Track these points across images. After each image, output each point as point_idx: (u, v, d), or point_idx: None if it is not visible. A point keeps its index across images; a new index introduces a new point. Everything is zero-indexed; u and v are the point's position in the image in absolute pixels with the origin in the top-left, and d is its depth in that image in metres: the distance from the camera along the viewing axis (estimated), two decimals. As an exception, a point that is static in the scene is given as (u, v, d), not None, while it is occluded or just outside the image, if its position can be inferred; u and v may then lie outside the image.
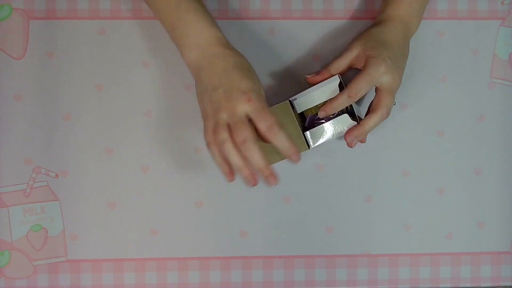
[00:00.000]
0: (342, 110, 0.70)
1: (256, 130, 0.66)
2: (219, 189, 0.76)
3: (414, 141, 0.77)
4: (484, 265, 0.77)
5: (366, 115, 0.71)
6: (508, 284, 0.78)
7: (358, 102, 0.76)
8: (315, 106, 0.72)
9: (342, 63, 0.71)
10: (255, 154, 0.64)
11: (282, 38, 0.76)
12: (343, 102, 0.68)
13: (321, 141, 0.72)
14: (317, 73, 0.72)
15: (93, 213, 0.76)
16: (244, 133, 0.63)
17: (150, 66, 0.76)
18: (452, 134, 0.78)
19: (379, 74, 0.67)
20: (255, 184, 0.66)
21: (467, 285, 0.78)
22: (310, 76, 0.73)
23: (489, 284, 0.78)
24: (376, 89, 0.69)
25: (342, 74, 0.72)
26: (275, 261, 0.77)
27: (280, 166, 0.76)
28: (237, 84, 0.65)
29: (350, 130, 0.70)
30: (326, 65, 0.72)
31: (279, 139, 0.64)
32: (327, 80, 0.71)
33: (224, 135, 0.64)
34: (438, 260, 0.77)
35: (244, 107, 0.64)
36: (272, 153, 0.69)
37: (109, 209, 0.76)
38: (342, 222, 0.77)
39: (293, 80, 0.76)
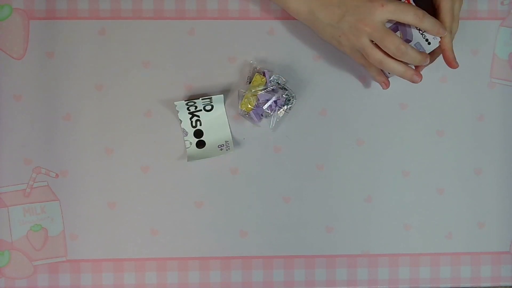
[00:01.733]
0: None
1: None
2: (219, 189, 0.76)
3: (414, 141, 0.77)
4: (484, 265, 0.77)
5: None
6: (508, 284, 0.78)
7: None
8: None
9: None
10: (413, 53, 0.66)
11: (282, 38, 0.76)
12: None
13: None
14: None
15: (93, 213, 0.76)
16: (394, 41, 0.65)
17: (150, 66, 0.76)
18: (452, 134, 0.78)
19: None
20: (421, 79, 0.69)
21: (467, 285, 0.78)
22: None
23: (489, 284, 0.78)
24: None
25: None
26: (275, 261, 0.77)
27: (280, 166, 0.76)
28: (362, 11, 0.65)
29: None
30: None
31: (409, 53, 0.66)
32: None
33: (378, 55, 0.67)
34: (438, 260, 0.77)
35: (381, 14, 0.65)
36: None
37: (109, 209, 0.76)
38: (342, 222, 0.77)
39: (293, 80, 0.76)
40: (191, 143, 0.76)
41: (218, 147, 0.75)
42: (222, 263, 0.76)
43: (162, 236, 0.76)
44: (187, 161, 0.75)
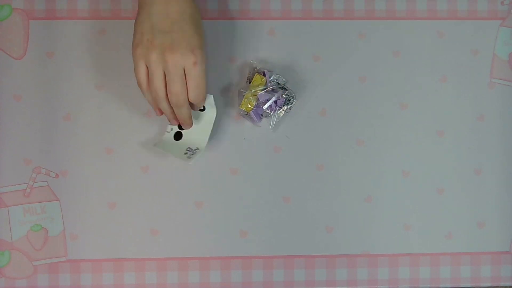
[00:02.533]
0: None
1: None
2: (219, 189, 0.76)
3: (414, 141, 0.77)
4: (484, 265, 0.77)
5: None
6: (508, 284, 0.78)
7: None
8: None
9: None
10: (185, 110, 0.66)
11: (282, 38, 0.76)
12: None
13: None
14: None
15: (93, 213, 0.76)
16: (181, 89, 0.64)
17: (150, 66, 0.76)
18: (452, 134, 0.78)
19: None
20: (177, 123, 0.70)
21: (467, 285, 0.78)
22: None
23: (489, 284, 0.78)
24: None
25: None
26: (275, 261, 0.77)
27: (280, 166, 0.76)
28: (188, 39, 0.62)
29: None
30: None
31: (183, 111, 0.66)
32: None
33: (159, 84, 0.64)
34: (438, 260, 0.77)
35: (188, 67, 0.63)
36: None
37: (109, 209, 0.76)
38: (342, 222, 0.77)
39: (293, 80, 0.76)
40: (171, 129, 0.75)
41: (186, 149, 0.74)
42: (222, 263, 0.76)
43: (162, 236, 0.76)
44: (153, 145, 0.74)
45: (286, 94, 0.74)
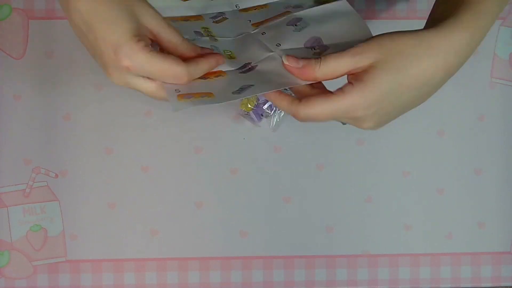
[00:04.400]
0: None
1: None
2: (219, 189, 0.76)
3: (414, 141, 0.77)
4: (484, 265, 0.77)
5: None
6: (508, 284, 0.78)
7: None
8: None
9: (339, 67, 0.50)
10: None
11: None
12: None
13: None
14: (301, 62, 0.51)
15: (93, 213, 0.76)
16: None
17: (150, 66, 0.76)
18: (452, 134, 0.78)
19: (354, 111, 0.49)
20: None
21: (467, 285, 0.78)
22: (288, 61, 0.52)
23: (489, 284, 0.78)
24: None
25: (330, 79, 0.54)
26: (275, 261, 0.77)
27: (280, 166, 0.76)
28: (102, 46, 0.48)
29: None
30: (317, 57, 0.51)
31: (199, 65, 0.52)
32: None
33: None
34: (438, 260, 0.77)
35: (134, 76, 0.50)
36: None
37: (109, 209, 0.76)
38: (342, 222, 0.77)
39: (293, 80, 0.76)
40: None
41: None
42: (222, 263, 0.76)
43: (162, 236, 0.76)
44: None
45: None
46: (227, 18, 0.63)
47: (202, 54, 0.53)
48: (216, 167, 0.76)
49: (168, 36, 0.50)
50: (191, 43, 0.52)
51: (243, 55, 0.59)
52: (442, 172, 0.77)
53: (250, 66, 0.57)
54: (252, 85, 0.54)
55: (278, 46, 0.57)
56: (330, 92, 0.50)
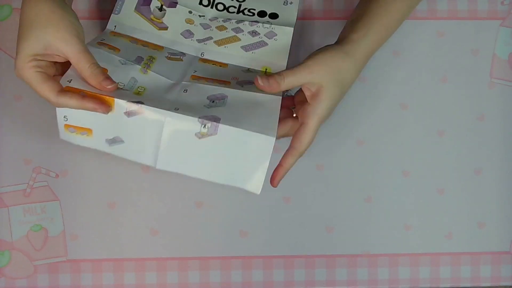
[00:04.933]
0: None
1: None
2: (219, 189, 0.76)
3: (414, 141, 0.77)
4: (484, 265, 0.77)
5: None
6: (508, 284, 0.78)
7: None
8: None
9: (296, 82, 0.62)
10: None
11: (282, 38, 0.76)
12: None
13: None
14: (270, 80, 0.61)
15: (93, 213, 0.76)
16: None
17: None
18: (452, 134, 0.78)
19: (321, 122, 0.62)
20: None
21: (467, 285, 0.78)
22: (261, 81, 0.61)
23: (489, 284, 0.78)
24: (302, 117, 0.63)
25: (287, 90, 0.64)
26: (275, 261, 0.77)
27: (280, 166, 0.76)
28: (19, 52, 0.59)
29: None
30: (279, 73, 0.62)
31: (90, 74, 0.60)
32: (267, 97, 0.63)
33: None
34: (438, 260, 0.77)
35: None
36: None
37: (109, 209, 0.76)
38: (342, 222, 0.77)
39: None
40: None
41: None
42: (222, 263, 0.76)
43: (162, 236, 0.76)
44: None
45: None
46: (182, 61, 0.68)
47: (87, 96, 0.59)
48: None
49: (78, 63, 0.59)
50: (98, 72, 0.59)
51: (150, 96, 0.61)
52: (442, 172, 0.77)
53: (139, 107, 0.59)
54: (123, 141, 0.61)
55: (176, 110, 0.59)
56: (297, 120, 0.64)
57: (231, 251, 0.76)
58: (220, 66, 0.68)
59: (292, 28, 0.70)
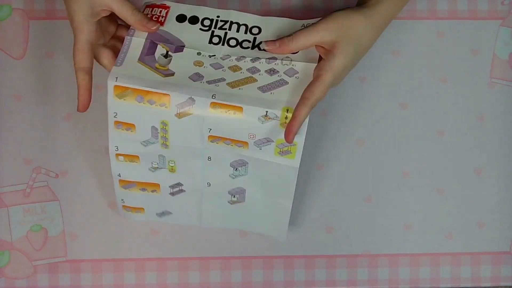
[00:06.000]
0: None
1: None
2: (219, 189, 0.76)
3: (414, 141, 0.77)
4: (484, 265, 0.77)
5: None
6: (508, 284, 0.78)
7: None
8: None
9: (307, 41, 0.63)
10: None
11: (282, 38, 0.76)
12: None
13: None
14: (277, 42, 0.64)
15: (93, 213, 0.76)
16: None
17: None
18: (452, 134, 0.78)
19: (336, 79, 0.63)
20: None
21: (467, 285, 0.78)
22: (267, 46, 0.64)
23: (489, 284, 0.78)
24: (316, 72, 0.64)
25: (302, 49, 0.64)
26: (275, 261, 0.77)
27: (280, 166, 0.76)
28: (71, 14, 0.64)
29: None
30: (289, 35, 0.64)
31: (77, 80, 0.65)
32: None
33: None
34: (438, 260, 0.77)
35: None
36: None
37: (109, 209, 0.76)
38: (342, 222, 0.77)
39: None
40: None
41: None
42: (222, 263, 0.76)
43: (162, 236, 0.76)
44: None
45: None
46: (192, 114, 0.63)
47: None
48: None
49: (121, 12, 0.65)
50: (140, 15, 0.65)
51: (183, 170, 0.68)
52: (442, 172, 0.77)
53: (180, 188, 0.69)
54: (171, 213, 0.72)
55: (208, 185, 0.69)
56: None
57: (231, 251, 0.76)
58: (234, 113, 0.62)
59: (315, 65, 0.64)
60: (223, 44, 0.67)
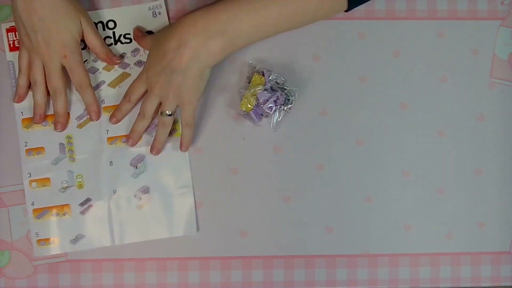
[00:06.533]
0: None
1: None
2: (220, 189, 0.76)
3: (414, 141, 0.77)
4: (484, 265, 0.77)
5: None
6: (508, 284, 0.78)
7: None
8: None
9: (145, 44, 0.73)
10: (60, 103, 0.72)
11: (282, 38, 0.76)
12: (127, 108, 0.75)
13: None
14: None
15: (93, 213, 0.76)
16: (57, 82, 0.71)
17: (150, 66, 0.76)
18: (452, 134, 0.78)
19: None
20: (40, 122, 0.73)
21: (467, 285, 0.78)
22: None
23: (489, 284, 0.78)
24: None
25: None
26: (275, 261, 0.77)
27: (280, 166, 0.76)
28: (55, 35, 0.68)
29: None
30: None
31: (86, 95, 0.73)
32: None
33: (39, 76, 0.71)
34: (438, 260, 0.77)
35: (61, 61, 0.70)
36: None
37: (109, 209, 0.76)
38: (342, 222, 0.77)
39: (293, 80, 0.76)
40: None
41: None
42: (222, 263, 0.76)
43: (162, 236, 0.76)
44: None
45: (286, 93, 0.74)
46: (93, 120, 0.74)
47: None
48: (216, 167, 0.76)
49: (93, 40, 0.71)
50: (107, 49, 0.73)
51: (90, 183, 0.74)
52: (442, 172, 0.77)
53: (89, 204, 0.74)
54: (84, 236, 0.74)
55: (114, 192, 0.74)
56: None
57: (231, 251, 0.76)
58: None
59: None
60: (87, 48, 0.74)
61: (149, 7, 0.74)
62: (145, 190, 0.74)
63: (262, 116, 0.75)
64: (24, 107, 0.74)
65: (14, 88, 0.74)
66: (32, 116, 0.73)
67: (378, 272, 0.77)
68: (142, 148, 0.74)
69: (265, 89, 0.73)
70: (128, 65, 0.75)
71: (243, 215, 0.76)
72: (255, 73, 0.74)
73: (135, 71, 0.74)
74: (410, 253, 0.77)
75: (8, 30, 0.74)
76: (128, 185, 0.74)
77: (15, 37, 0.74)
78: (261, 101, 0.73)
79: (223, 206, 0.76)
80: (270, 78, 0.74)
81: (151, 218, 0.74)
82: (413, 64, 0.77)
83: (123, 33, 0.75)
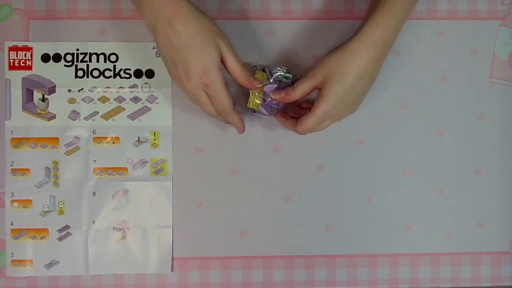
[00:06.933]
0: None
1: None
2: (219, 189, 0.76)
3: (414, 141, 0.77)
4: (484, 265, 0.77)
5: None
6: (508, 284, 0.78)
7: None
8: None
9: (305, 88, 0.69)
10: (231, 118, 0.70)
11: (282, 38, 0.76)
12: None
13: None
14: (283, 93, 0.70)
15: (93, 213, 0.76)
16: (217, 108, 0.68)
17: (150, 66, 0.76)
18: (452, 134, 0.78)
19: (328, 115, 0.68)
20: (243, 131, 0.73)
21: (467, 285, 0.78)
22: (274, 95, 0.71)
23: (489, 284, 0.78)
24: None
25: (305, 96, 0.70)
26: (275, 261, 0.77)
27: (280, 166, 0.76)
28: (193, 64, 0.65)
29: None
30: (292, 86, 0.70)
31: (231, 118, 0.70)
32: None
33: (208, 107, 0.69)
34: (438, 260, 0.77)
35: (203, 89, 0.67)
36: None
37: (109, 209, 0.76)
38: (342, 222, 0.77)
39: (292, 81, 0.76)
40: None
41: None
42: (222, 263, 0.76)
43: (162, 236, 0.76)
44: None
45: (291, 80, 0.73)
46: (80, 149, 0.75)
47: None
48: (216, 167, 0.76)
49: (233, 65, 0.68)
50: (247, 73, 0.69)
51: (70, 210, 0.74)
52: (442, 172, 0.77)
53: (67, 231, 0.75)
54: (58, 262, 0.75)
55: (93, 222, 0.75)
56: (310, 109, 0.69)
57: (231, 251, 0.76)
58: (114, 142, 0.75)
59: (170, 89, 0.75)
60: (87, 77, 0.75)
61: (153, 47, 0.75)
62: (125, 225, 0.75)
63: (272, 109, 0.74)
64: (15, 127, 0.74)
65: (8, 106, 0.74)
66: (22, 136, 0.74)
67: (378, 272, 0.77)
68: (126, 180, 0.75)
69: (270, 83, 0.72)
70: (124, 99, 0.75)
71: (243, 215, 0.76)
72: (256, 71, 0.73)
73: (130, 106, 0.75)
74: (410, 253, 0.77)
75: (10, 49, 0.74)
76: (108, 217, 0.75)
77: (17, 56, 0.74)
78: (268, 93, 0.72)
79: (223, 206, 0.76)
80: (274, 71, 0.73)
81: (127, 253, 0.75)
82: (413, 64, 0.77)
83: (124, 68, 0.75)
